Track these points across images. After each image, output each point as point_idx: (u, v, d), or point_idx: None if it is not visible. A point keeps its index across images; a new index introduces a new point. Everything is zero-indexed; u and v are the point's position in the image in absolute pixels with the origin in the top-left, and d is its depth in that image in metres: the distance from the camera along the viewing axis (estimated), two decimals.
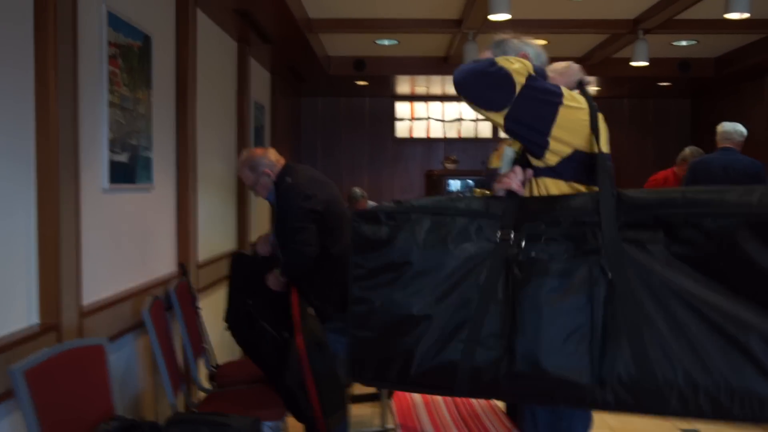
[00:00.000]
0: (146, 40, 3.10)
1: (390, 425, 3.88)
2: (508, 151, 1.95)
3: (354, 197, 6.27)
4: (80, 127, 2.43)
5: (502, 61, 1.70)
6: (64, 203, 2.31)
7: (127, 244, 2.98)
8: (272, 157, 3.22)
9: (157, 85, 3.23)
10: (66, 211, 2.33)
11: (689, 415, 1.39)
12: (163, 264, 3.40)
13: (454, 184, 7.80)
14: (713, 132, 7.57)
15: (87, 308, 2.50)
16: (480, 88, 1.71)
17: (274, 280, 3.08)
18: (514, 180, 1.67)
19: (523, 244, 1.53)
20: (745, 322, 1.31)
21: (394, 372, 1.60)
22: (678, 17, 4.77)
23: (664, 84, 7.17)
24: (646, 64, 5.15)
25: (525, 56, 1.90)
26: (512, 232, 1.55)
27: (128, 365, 2.93)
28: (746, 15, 3.88)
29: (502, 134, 2.05)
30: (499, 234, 1.55)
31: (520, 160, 1.80)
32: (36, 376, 1.83)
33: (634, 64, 5.17)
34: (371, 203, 6.55)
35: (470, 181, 7.71)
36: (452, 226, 1.60)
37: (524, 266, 1.50)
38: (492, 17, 4.06)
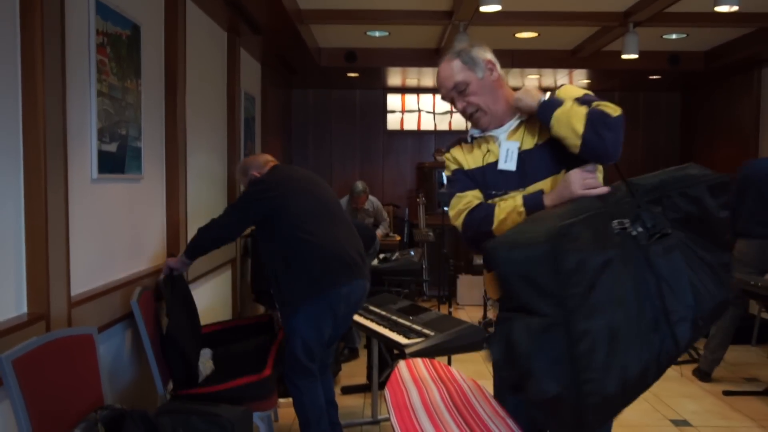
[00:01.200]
0: (135, 29, 3.08)
1: (381, 416, 3.90)
2: (512, 146, 1.97)
3: (356, 191, 6.27)
4: (68, 116, 2.41)
5: (611, 109, 1.87)
6: (52, 193, 2.30)
7: (117, 234, 2.97)
8: (261, 161, 3.42)
9: (146, 75, 3.21)
10: (54, 201, 2.32)
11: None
12: (153, 255, 3.39)
13: (443, 175, 7.81)
14: (703, 125, 7.65)
15: (76, 298, 2.49)
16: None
17: (174, 261, 3.11)
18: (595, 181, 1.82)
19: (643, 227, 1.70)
20: (713, 255, 1.76)
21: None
22: (668, 10, 4.77)
23: (655, 77, 7.19)
24: (636, 56, 5.16)
25: (491, 63, 2.06)
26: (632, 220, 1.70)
27: (118, 355, 2.92)
28: (735, 8, 3.90)
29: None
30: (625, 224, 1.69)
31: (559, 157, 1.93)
32: (24, 364, 1.83)
33: (624, 56, 5.18)
34: (372, 198, 6.56)
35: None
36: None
37: (655, 248, 1.68)
38: (483, 8, 4.06)
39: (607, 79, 7.46)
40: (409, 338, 3.06)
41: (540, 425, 1.76)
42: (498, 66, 2.09)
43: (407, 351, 2.91)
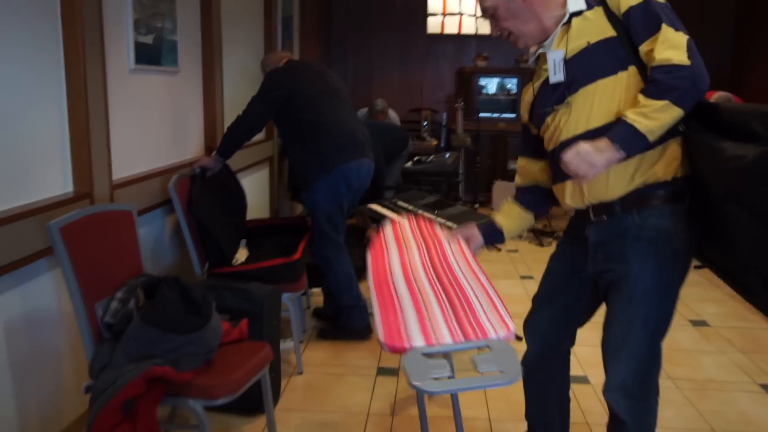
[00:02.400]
0: None
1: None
2: (557, 55, 1.82)
3: (375, 109, 6.16)
4: (104, 7, 2.50)
5: (676, 52, 1.63)
6: (91, 82, 2.43)
7: (156, 124, 3.12)
8: (277, 57, 3.65)
9: None
10: (94, 89, 2.45)
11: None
12: (191, 147, 3.55)
13: (486, 82, 7.74)
14: (758, 29, 7.28)
15: (117, 181, 2.68)
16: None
17: (208, 161, 3.26)
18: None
19: None
20: None
21: None
22: None
23: None
24: None
25: None
26: None
27: (159, 238, 3.13)
28: None
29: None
30: None
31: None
32: (71, 232, 2.01)
33: None
34: (392, 113, 6.49)
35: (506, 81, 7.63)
36: None
37: None
38: None
39: None
40: None
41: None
42: None
43: None
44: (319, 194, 3.43)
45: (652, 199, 1.73)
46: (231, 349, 2.21)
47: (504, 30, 1.91)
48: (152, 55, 3.03)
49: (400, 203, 3.85)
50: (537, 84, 1.93)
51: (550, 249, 4.00)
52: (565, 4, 1.84)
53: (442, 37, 8.16)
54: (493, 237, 2.08)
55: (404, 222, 2.15)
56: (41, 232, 2.08)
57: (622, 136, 1.63)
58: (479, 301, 1.59)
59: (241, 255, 3.34)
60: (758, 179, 1.45)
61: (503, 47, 8.07)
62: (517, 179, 2.14)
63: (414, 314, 1.55)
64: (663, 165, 1.73)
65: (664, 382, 2.35)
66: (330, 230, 3.48)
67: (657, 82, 1.63)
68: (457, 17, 8.14)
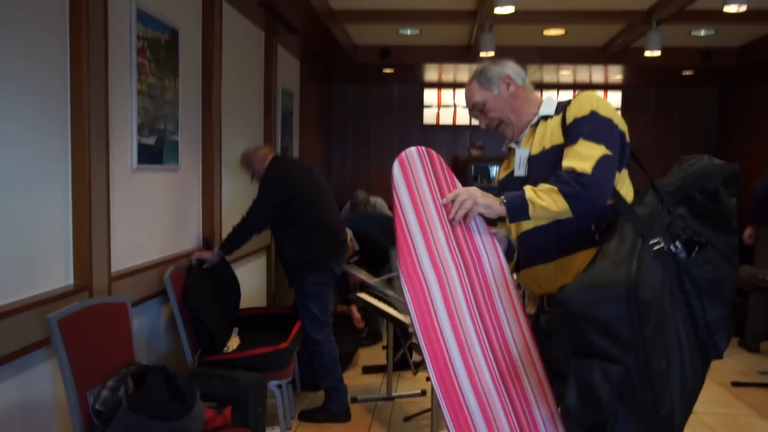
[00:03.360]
0: (173, 33, 3.41)
1: (395, 393, 4.16)
2: (523, 153, 2.04)
3: (356, 200, 6.31)
4: (111, 113, 2.75)
5: (581, 160, 1.83)
6: (95, 180, 2.64)
7: (155, 218, 3.31)
8: (261, 154, 3.86)
9: (183, 74, 3.55)
10: (97, 187, 2.66)
11: None
12: (188, 239, 3.74)
13: (477, 169, 8.01)
14: (740, 120, 7.63)
15: (116, 273, 2.84)
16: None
17: (209, 254, 3.55)
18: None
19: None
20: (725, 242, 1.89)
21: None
22: (690, 8, 4.86)
23: (688, 73, 7.22)
24: (658, 54, 5.26)
25: (508, 78, 2.10)
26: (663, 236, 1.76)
27: (154, 327, 3.27)
28: (743, 8, 3.99)
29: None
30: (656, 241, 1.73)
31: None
32: (68, 325, 2.16)
33: (648, 54, 5.28)
34: (381, 201, 6.68)
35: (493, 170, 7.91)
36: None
37: (694, 262, 1.78)
38: (497, 10, 4.26)
39: (641, 75, 7.51)
40: None
41: None
42: (517, 79, 2.12)
43: (411, 330, 3.16)
44: (309, 283, 3.68)
45: None
46: None
47: (493, 120, 2.12)
48: (154, 154, 3.26)
49: (388, 292, 3.99)
50: (505, 174, 2.15)
51: None
52: (539, 105, 2.09)
53: (437, 128, 8.52)
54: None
55: (414, 157, 1.95)
56: (41, 324, 2.23)
57: (510, 196, 1.84)
58: (534, 395, 1.81)
59: (233, 343, 3.47)
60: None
61: (495, 138, 8.36)
62: None
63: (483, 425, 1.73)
64: None
65: None
66: (320, 313, 3.73)
67: (558, 175, 1.84)
68: (452, 109, 8.52)
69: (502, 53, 6.16)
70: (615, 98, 8.29)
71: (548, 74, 7.59)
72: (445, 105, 8.52)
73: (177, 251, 3.55)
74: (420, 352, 4.47)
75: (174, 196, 3.54)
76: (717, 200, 1.88)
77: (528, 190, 1.83)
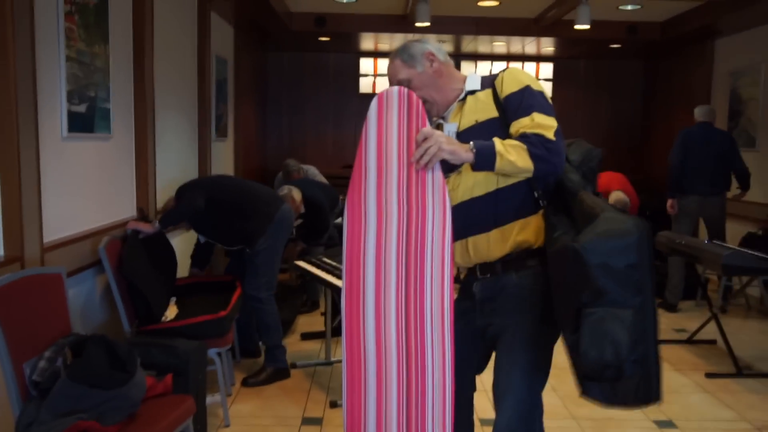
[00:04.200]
0: None
1: (334, 358, 4.26)
2: (451, 128, 2.06)
3: (289, 169, 6.28)
4: (39, 80, 2.67)
5: (547, 128, 1.89)
6: (24, 149, 2.58)
7: (87, 188, 3.25)
8: None
9: (114, 40, 3.45)
10: (26, 156, 2.59)
11: None
12: (122, 208, 3.68)
13: None
14: (662, 92, 7.97)
15: (48, 244, 2.79)
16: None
17: (147, 226, 3.53)
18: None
19: None
20: None
21: None
22: None
23: (615, 46, 7.46)
24: (587, 27, 5.42)
25: (431, 54, 2.12)
26: None
27: (89, 297, 3.23)
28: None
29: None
30: None
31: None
32: (0, 296, 2.13)
33: (577, 27, 5.44)
34: (314, 170, 6.65)
35: None
36: None
37: None
38: None
39: (572, 47, 7.71)
40: None
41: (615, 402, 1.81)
42: (440, 55, 2.14)
43: None
44: (262, 245, 3.81)
45: (528, 261, 1.99)
46: (155, 403, 2.34)
47: (419, 99, 2.08)
48: (85, 122, 3.19)
49: (326, 260, 4.05)
50: None
51: None
52: (464, 80, 2.13)
53: (374, 96, 8.53)
54: None
55: (393, 96, 1.90)
56: None
57: (481, 144, 1.84)
58: (432, 388, 1.86)
59: (171, 312, 3.46)
60: (559, 266, 1.76)
61: None
62: None
63: (374, 410, 1.82)
64: (533, 233, 1.98)
65: None
66: (266, 271, 3.85)
67: (526, 136, 1.88)
68: (388, 77, 8.54)
69: (438, 23, 6.28)
70: (547, 70, 8.50)
71: (482, 44, 7.70)
72: (382, 74, 8.54)
73: (111, 221, 3.50)
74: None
75: (106, 166, 3.47)
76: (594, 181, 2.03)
77: (498, 142, 1.85)
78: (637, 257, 1.67)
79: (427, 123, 1.89)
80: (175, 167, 4.59)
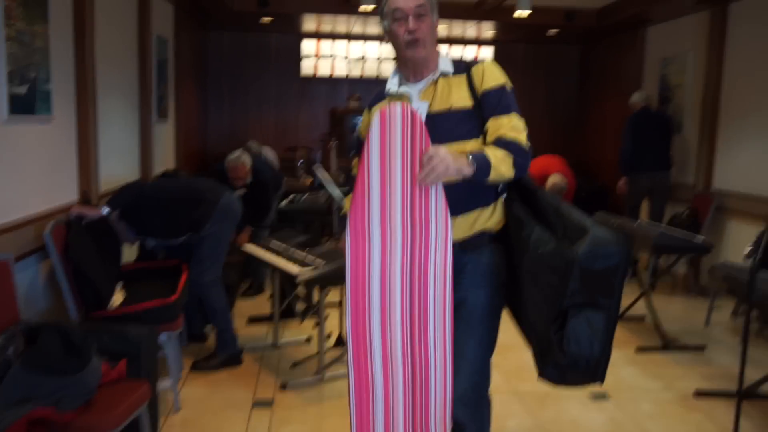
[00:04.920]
0: None
1: (281, 341, 4.30)
2: (422, 106, 2.06)
3: (249, 149, 6.09)
4: None
5: (521, 134, 2.01)
6: None
7: (29, 172, 3.18)
8: None
9: (54, 19, 3.36)
10: None
11: None
12: (65, 193, 3.61)
13: (358, 122, 8.13)
14: (597, 78, 8.24)
15: None
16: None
17: (93, 210, 3.52)
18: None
19: None
20: None
21: None
22: None
23: (554, 32, 7.66)
24: (527, 13, 5.56)
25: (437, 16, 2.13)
26: None
27: (33, 284, 3.17)
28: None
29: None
30: None
31: None
32: None
33: (516, 14, 5.57)
34: (270, 153, 6.57)
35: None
36: None
37: None
38: None
39: (511, 31, 7.87)
40: (303, 267, 3.44)
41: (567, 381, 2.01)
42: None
43: (299, 279, 3.29)
44: (208, 230, 3.81)
45: (484, 241, 2.10)
46: (110, 388, 2.34)
47: (421, 31, 2.04)
48: (26, 104, 3.10)
49: (274, 243, 4.08)
50: None
51: None
52: (438, 58, 2.11)
53: (315, 79, 8.52)
54: None
55: (396, 113, 1.87)
56: None
57: (479, 158, 1.89)
58: (435, 394, 1.96)
59: (117, 299, 3.43)
60: (549, 269, 1.88)
61: (374, 89, 8.49)
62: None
63: (382, 415, 1.90)
64: (495, 221, 2.12)
65: None
66: (211, 258, 3.86)
67: (508, 145, 1.97)
68: (330, 60, 8.54)
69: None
70: (487, 53, 8.65)
71: None
72: (324, 56, 8.52)
73: (53, 205, 3.43)
74: (305, 301, 4.60)
75: (48, 149, 3.40)
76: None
77: (490, 155, 1.92)
78: (618, 268, 1.83)
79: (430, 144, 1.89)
80: (117, 150, 4.50)
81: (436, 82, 2.10)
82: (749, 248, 3.10)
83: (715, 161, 5.83)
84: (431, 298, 1.94)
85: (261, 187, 4.99)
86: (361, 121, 2.34)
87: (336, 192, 3.47)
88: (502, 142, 1.98)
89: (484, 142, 2.04)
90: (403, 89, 2.14)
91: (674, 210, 6.11)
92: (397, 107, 1.85)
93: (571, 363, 1.88)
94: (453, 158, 1.86)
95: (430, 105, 2.07)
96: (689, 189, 6.11)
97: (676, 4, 5.86)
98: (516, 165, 1.97)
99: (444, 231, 1.92)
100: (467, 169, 1.88)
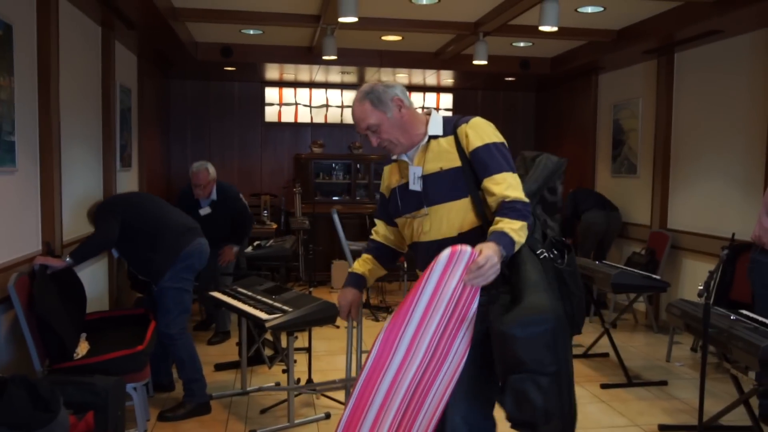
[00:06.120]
0: (6, 28, 3.25)
1: (250, 387, 4.26)
2: (417, 170, 2.24)
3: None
4: None
5: (521, 193, 2.14)
6: None
7: None
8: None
9: (19, 72, 3.38)
10: None
11: None
12: (28, 243, 3.57)
13: (318, 166, 8.21)
14: (553, 123, 8.52)
15: None
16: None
17: (54, 261, 3.47)
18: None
19: None
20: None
21: None
22: (513, 23, 5.39)
23: (510, 79, 7.92)
24: (485, 62, 5.76)
25: (399, 100, 2.24)
26: None
27: None
28: (555, 29, 4.53)
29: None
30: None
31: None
32: None
33: (475, 62, 5.77)
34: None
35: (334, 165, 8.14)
36: None
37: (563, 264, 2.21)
38: (342, 19, 4.47)
39: (469, 79, 8.11)
40: (270, 314, 3.45)
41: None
42: (406, 100, 2.26)
43: (267, 325, 3.30)
44: (168, 280, 3.78)
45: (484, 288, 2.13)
46: None
47: (384, 140, 2.26)
48: None
49: (240, 290, 4.08)
50: (400, 183, 2.34)
51: (383, 323, 4.38)
52: (426, 122, 2.28)
53: (279, 125, 8.61)
54: (361, 284, 2.48)
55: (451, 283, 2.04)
56: None
57: (505, 244, 1.99)
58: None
59: (82, 349, 3.38)
60: (495, 336, 2.00)
61: (336, 135, 8.67)
62: (373, 234, 2.56)
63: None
64: None
65: None
66: (177, 307, 3.81)
67: (516, 210, 2.07)
68: (293, 107, 8.65)
69: (344, 56, 6.48)
70: (447, 100, 8.88)
71: (385, 76, 7.95)
72: (287, 103, 8.63)
73: (17, 256, 3.39)
74: (272, 348, 4.58)
75: (11, 200, 3.38)
76: (555, 192, 2.25)
77: (510, 232, 2.01)
78: (551, 337, 1.93)
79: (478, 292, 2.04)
80: (81, 199, 4.48)
81: (427, 145, 2.26)
82: (700, 287, 3.23)
83: (669, 202, 6.06)
84: (422, 410, 2.10)
85: (228, 201, 5.17)
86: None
87: (347, 248, 3.55)
88: (509, 207, 2.09)
89: (480, 197, 2.17)
90: (403, 156, 2.30)
91: (632, 249, 6.29)
92: (467, 250, 1.96)
93: (515, 424, 2.00)
94: (498, 259, 1.95)
95: (423, 167, 2.24)
96: (645, 229, 6.31)
97: (626, 53, 6.14)
98: (528, 227, 2.09)
99: (454, 368, 2.08)
100: (501, 257, 1.98)
